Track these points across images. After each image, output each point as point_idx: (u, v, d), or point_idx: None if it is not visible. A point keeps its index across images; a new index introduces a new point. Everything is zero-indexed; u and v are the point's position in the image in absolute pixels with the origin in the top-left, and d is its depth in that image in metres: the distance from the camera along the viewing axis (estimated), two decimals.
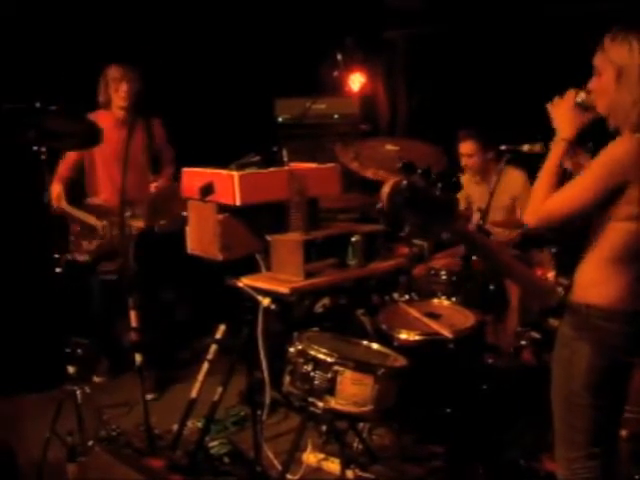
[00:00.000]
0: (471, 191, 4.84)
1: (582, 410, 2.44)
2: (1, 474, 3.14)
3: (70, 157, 4.48)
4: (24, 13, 4.75)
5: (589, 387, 2.42)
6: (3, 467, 3.15)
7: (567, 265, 2.54)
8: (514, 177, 4.54)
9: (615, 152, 2.32)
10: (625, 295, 2.38)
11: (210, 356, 3.72)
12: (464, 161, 4.73)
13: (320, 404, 2.93)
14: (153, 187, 4.28)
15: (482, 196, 4.66)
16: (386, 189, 2.15)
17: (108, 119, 4.36)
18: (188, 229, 3.72)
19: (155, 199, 3.99)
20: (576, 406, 2.45)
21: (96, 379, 4.61)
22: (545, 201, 2.38)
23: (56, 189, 4.35)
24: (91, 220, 4.23)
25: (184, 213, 3.75)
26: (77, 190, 4.54)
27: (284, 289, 3.31)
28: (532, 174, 4.68)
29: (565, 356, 2.47)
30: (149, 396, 4.13)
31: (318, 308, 4.09)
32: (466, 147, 4.69)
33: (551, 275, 4.54)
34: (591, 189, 2.32)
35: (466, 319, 3.57)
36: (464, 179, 4.79)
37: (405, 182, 2.15)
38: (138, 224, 4.13)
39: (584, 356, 2.41)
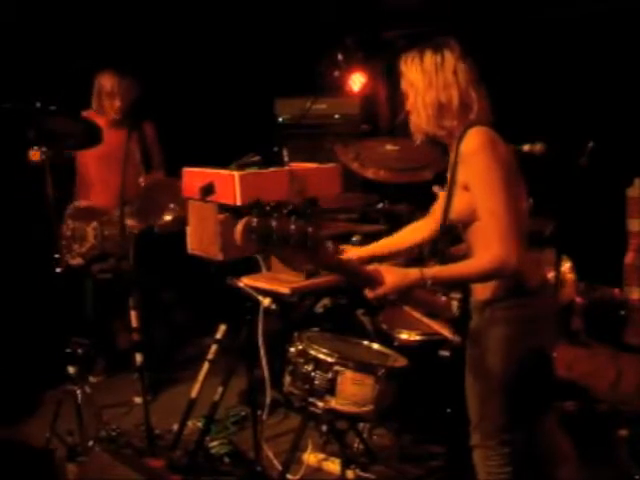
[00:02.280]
0: None
1: (494, 400, 2.48)
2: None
3: None
4: (24, 17, 4.75)
5: (502, 378, 2.45)
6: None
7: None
8: None
9: (480, 140, 2.33)
10: (530, 274, 2.40)
11: (210, 356, 3.72)
12: None
13: (320, 404, 2.93)
14: (141, 182, 4.25)
15: None
16: (239, 227, 2.12)
17: (102, 120, 4.29)
18: (188, 229, 3.72)
19: (145, 194, 3.97)
20: (489, 396, 2.49)
21: (92, 379, 4.60)
22: (489, 244, 2.29)
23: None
24: None
25: (171, 205, 3.76)
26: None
27: (284, 289, 3.32)
28: (532, 174, 4.70)
29: (477, 354, 2.50)
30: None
31: (318, 308, 4.09)
32: None
33: (551, 276, 4.55)
34: (503, 187, 2.28)
35: None
36: None
37: (255, 220, 2.07)
38: (131, 222, 4.11)
39: (497, 351, 2.43)
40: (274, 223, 2.08)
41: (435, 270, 2.35)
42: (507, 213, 2.26)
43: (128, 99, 4.44)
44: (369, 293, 2.37)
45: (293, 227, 2.09)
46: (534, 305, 2.44)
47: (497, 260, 2.26)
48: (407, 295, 2.43)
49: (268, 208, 2.10)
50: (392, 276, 2.32)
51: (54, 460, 3.18)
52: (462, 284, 2.49)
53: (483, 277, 2.37)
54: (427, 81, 2.43)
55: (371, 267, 2.41)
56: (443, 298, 2.50)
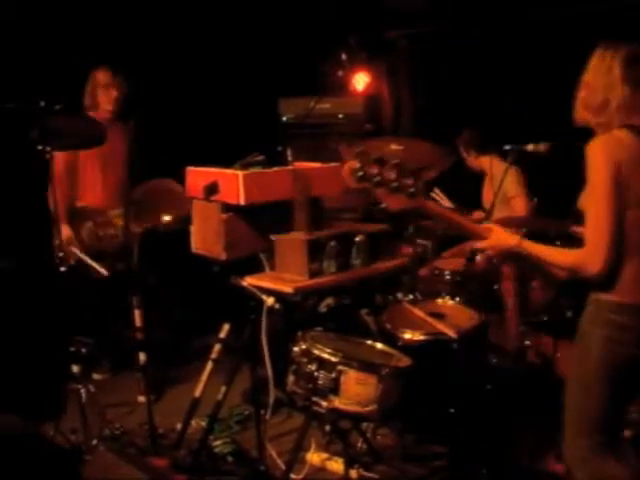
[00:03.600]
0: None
1: (594, 398, 2.51)
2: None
3: (61, 183, 4.40)
4: (25, 17, 4.75)
5: (602, 377, 2.49)
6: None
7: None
8: (508, 175, 4.56)
9: (593, 150, 2.41)
10: (635, 287, 2.43)
11: (214, 355, 3.72)
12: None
13: (324, 404, 2.93)
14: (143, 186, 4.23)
15: (487, 191, 4.76)
16: (345, 167, 2.46)
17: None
18: (192, 228, 3.72)
19: (144, 197, 3.98)
20: (588, 394, 2.52)
21: (96, 376, 4.61)
22: (585, 249, 2.41)
23: (66, 232, 4.23)
24: (96, 266, 4.13)
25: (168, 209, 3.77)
26: None
27: (288, 289, 3.32)
28: (538, 174, 4.70)
29: (582, 347, 2.55)
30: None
31: (322, 308, 4.09)
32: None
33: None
34: (605, 196, 2.37)
35: (470, 319, 3.56)
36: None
37: (358, 165, 2.42)
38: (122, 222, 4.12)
39: (597, 349, 2.47)
40: (375, 170, 2.42)
41: (532, 245, 2.57)
42: (604, 221, 2.37)
43: (122, 92, 4.50)
44: (475, 244, 2.71)
45: (393, 176, 2.43)
46: (631, 316, 2.46)
47: (580, 260, 2.42)
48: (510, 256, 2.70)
49: (374, 157, 2.43)
50: (496, 235, 2.62)
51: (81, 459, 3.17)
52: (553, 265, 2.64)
53: (565, 269, 2.57)
54: (585, 76, 2.55)
55: (485, 225, 2.71)
56: None
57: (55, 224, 3.63)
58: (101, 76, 4.49)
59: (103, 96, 4.48)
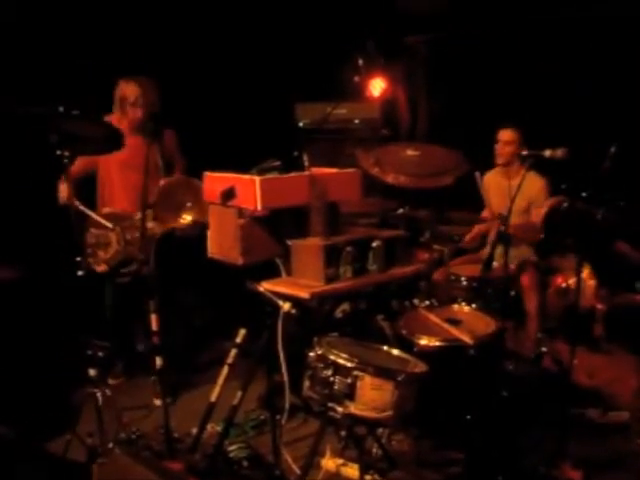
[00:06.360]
0: (492, 192, 4.89)
1: None
2: None
3: (80, 161, 4.46)
4: (25, 18, 4.78)
5: None
6: None
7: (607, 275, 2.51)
8: (532, 181, 4.52)
9: None
10: None
11: (230, 360, 3.72)
12: (500, 148, 4.83)
13: (339, 409, 2.93)
14: (161, 182, 4.24)
15: (501, 196, 4.70)
16: (544, 209, 2.16)
17: (123, 124, 4.34)
18: (209, 233, 3.73)
19: (162, 194, 3.97)
20: None
21: (111, 381, 4.63)
22: None
23: (63, 188, 4.29)
24: (102, 220, 4.17)
25: (189, 204, 3.88)
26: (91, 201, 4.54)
27: (304, 294, 3.32)
28: (554, 179, 4.68)
29: None
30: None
31: (338, 313, 4.08)
32: (506, 134, 4.78)
33: (572, 282, 4.53)
34: None
35: (486, 325, 3.55)
36: (487, 178, 4.94)
37: (566, 204, 2.14)
38: (152, 225, 4.13)
39: None
40: (582, 207, 2.24)
41: None
42: None
43: (150, 107, 4.44)
44: None
45: (600, 216, 2.26)
46: None
47: None
48: None
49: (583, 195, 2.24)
50: None
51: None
52: None
53: None
54: None
55: None
56: None
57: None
58: (129, 93, 4.43)
59: (130, 112, 4.45)
